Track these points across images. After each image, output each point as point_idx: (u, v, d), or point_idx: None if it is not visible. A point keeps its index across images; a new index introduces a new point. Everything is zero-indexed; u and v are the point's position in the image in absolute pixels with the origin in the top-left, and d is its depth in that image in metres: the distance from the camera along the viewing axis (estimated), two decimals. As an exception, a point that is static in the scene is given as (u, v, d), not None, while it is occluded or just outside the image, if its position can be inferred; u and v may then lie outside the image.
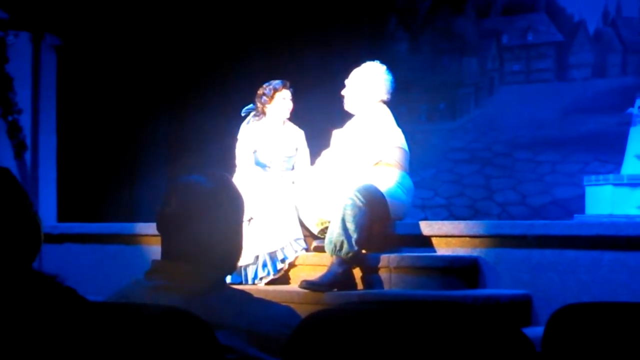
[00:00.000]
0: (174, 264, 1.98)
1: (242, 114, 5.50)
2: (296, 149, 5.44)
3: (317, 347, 1.47)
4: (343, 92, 5.21)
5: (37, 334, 1.48)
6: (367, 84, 5.14)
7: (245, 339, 1.84)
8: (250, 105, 5.48)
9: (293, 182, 5.27)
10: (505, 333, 1.48)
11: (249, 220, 5.00)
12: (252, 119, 5.46)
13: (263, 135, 5.42)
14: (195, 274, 1.96)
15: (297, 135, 5.46)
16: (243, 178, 5.22)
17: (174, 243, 2.01)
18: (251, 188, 5.08)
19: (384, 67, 5.21)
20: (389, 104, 5.20)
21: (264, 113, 5.43)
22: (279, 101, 5.40)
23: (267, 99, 5.40)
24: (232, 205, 2.04)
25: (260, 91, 5.42)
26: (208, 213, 1.99)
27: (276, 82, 5.42)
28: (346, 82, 5.22)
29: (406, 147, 5.14)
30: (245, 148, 5.41)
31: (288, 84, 5.43)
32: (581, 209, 7.67)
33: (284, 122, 5.45)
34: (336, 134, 5.26)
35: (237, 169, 5.40)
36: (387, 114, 5.14)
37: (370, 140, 5.05)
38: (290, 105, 5.42)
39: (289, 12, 9.03)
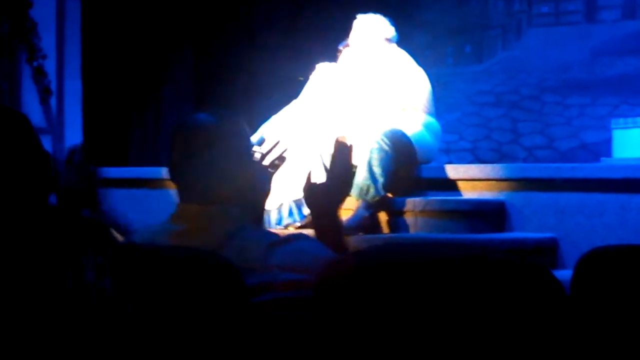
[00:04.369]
0: (195, 206, 1.96)
1: (340, 48, 5.45)
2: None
3: (348, 288, 1.46)
4: (350, 42, 5.21)
5: (62, 270, 1.48)
6: (374, 26, 5.12)
7: (275, 275, 1.82)
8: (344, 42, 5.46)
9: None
10: (536, 275, 1.47)
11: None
12: (327, 65, 5.44)
13: (327, 83, 5.38)
14: (218, 215, 1.94)
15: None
16: (277, 120, 5.20)
17: (188, 187, 1.99)
18: (280, 132, 5.04)
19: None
20: (410, 43, 5.21)
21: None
22: (344, 60, 5.38)
23: (338, 53, 5.40)
24: (237, 139, 2.01)
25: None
26: (214, 150, 1.97)
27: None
28: (351, 35, 5.20)
29: (430, 88, 5.12)
30: (308, 86, 5.38)
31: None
32: (609, 152, 7.60)
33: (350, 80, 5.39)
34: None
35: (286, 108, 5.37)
36: (405, 55, 5.14)
37: (396, 85, 5.03)
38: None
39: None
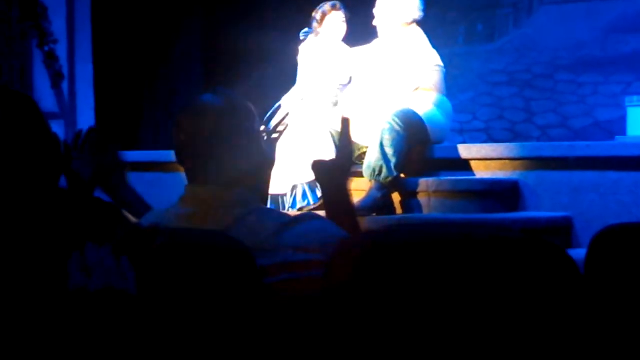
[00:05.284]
0: (204, 189, 1.95)
1: (301, 38, 5.42)
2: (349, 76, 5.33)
3: (360, 268, 1.46)
4: (375, 16, 5.14)
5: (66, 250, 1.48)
6: (399, 4, 5.07)
7: (288, 256, 1.80)
8: (307, 30, 5.40)
9: (335, 105, 5.20)
10: (551, 254, 1.46)
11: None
12: (308, 39, 5.39)
13: (315, 58, 5.33)
14: (226, 197, 1.92)
15: (350, 60, 5.34)
16: (284, 103, 5.18)
17: (196, 169, 1.98)
18: (290, 116, 5.02)
19: None
20: (422, 23, 5.13)
21: (317, 35, 5.38)
22: (329, 25, 5.32)
23: (317, 23, 5.33)
24: (244, 121, 1.99)
25: (313, 14, 5.36)
26: (221, 132, 1.95)
27: (327, 5, 5.33)
28: (376, 5, 5.15)
29: (443, 68, 5.08)
30: (299, 70, 5.35)
31: (338, 5, 5.33)
32: (623, 130, 7.56)
33: (337, 46, 5.34)
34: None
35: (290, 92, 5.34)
36: (421, 35, 5.09)
37: (408, 65, 5.00)
38: (341, 28, 5.33)
39: None
